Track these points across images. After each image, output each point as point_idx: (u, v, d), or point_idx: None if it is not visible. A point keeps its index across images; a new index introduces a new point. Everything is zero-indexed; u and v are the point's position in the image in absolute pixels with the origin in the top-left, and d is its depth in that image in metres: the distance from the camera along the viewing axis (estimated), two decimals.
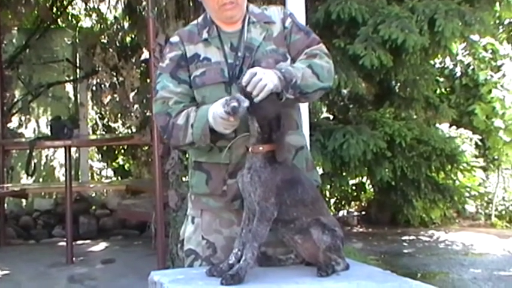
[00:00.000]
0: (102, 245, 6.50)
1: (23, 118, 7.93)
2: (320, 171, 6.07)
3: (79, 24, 8.51)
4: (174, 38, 2.31)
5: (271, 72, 2.06)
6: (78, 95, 8.37)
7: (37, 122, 8.12)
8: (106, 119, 8.79)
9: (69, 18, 8.48)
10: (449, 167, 6.22)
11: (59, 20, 8.26)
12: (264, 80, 2.02)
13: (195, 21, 2.35)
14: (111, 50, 7.69)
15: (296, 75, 2.11)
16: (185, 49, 2.25)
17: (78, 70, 8.34)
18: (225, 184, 2.22)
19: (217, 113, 2.05)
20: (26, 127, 7.97)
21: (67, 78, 8.28)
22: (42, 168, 8.10)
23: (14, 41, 8.04)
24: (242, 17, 2.27)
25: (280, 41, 2.26)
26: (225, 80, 2.19)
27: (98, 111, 8.78)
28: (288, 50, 2.26)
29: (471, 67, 7.65)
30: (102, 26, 8.16)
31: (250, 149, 2.10)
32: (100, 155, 9.05)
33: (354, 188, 7.68)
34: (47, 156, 8.17)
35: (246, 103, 2.00)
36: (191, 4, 5.09)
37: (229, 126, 2.07)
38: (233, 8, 2.21)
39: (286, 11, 2.34)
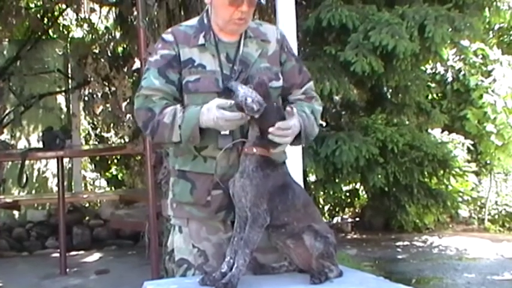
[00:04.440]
0: (96, 256, 6.48)
1: (14, 129, 7.90)
2: (313, 178, 6.08)
3: (70, 35, 8.50)
4: (168, 37, 2.27)
5: (297, 124, 2.14)
6: (70, 106, 8.34)
7: (29, 133, 8.10)
8: (98, 129, 8.78)
9: (60, 28, 8.47)
10: (442, 172, 6.24)
11: (50, 30, 8.25)
12: (290, 136, 2.11)
13: (189, 22, 2.34)
14: (102, 60, 7.68)
15: (307, 126, 2.21)
16: (179, 51, 2.23)
17: (69, 80, 8.32)
18: (209, 194, 2.22)
19: (223, 116, 2.05)
20: (17, 139, 7.95)
21: (59, 89, 8.25)
22: (34, 179, 8.06)
23: (5, 52, 8.02)
24: None
25: (275, 60, 2.29)
26: (218, 90, 2.19)
27: (90, 121, 8.77)
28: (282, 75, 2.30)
29: (462, 72, 7.67)
30: (93, 36, 8.14)
31: (244, 150, 2.11)
32: (93, 165, 9.02)
33: (347, 194, 7.68)
34: (39, 167, 8.14)
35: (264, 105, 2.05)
36: (182, 13, 5.11)
37: (235, 125, 2.09)
38: (242, 24, 2.22)
39: (281, 32, 2.39)
